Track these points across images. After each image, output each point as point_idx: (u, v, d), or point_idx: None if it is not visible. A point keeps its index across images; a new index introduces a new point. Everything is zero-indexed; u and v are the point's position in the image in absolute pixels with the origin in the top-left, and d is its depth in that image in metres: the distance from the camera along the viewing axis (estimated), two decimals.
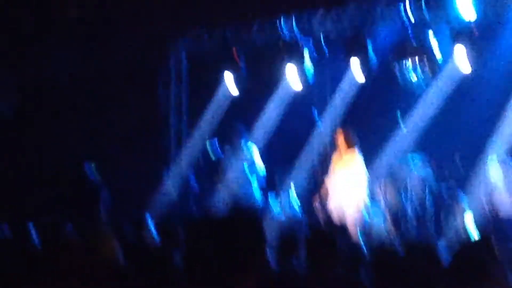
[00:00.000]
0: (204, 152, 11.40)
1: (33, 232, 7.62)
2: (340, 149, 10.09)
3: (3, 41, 12.01)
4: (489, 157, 10.63)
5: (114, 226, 7.55)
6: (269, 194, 11.39)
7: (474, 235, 9.66)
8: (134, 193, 11.61)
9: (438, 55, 10.75)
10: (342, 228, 7.77)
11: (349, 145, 10.01)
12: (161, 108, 12.87)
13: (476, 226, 10.06)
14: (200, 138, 12.36)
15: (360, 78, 11.54)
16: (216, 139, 11.52)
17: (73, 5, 12.22)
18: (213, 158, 11.42)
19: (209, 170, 11.56)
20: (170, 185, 12.19)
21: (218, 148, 11.41)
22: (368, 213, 10.25)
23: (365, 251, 7.87)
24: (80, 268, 4.43)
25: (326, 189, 10.30)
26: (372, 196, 10.92)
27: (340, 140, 10.08)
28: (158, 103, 12.83)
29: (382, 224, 10.85)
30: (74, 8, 12.23)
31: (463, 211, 10.72)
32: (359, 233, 9.63)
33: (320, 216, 10.32)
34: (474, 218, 10.33)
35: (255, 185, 11.25)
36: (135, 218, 8.42)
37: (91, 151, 11.73)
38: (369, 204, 10.11)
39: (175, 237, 6.81)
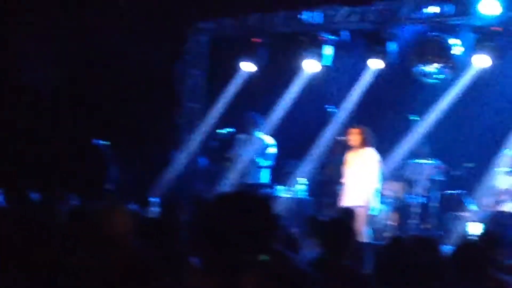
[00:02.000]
0: (216, 137, 11.36)
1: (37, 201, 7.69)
2: (356, 146, 10.00)
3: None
4: (498, 166, 10.64)
5: (120, 203, 7.62)
6: (277, 187, 11.40)
7: (476, 234, 9.71)
8: (143, 173, 11.62)
9: (458, 59, 10.70)
10: (348, 220, 7.77)
11: (366, 142, 9.94)
12: (177, 89, 12.85)
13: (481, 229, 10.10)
14: (213, 123, 12.34)
15: (378, 75, 11.54)
16: (229, 125, 11.47)
17: None
18: (224, 144, 11.42)
19: (220, 155, 11.55)
20: (180, 166, 12.19)
21: (229, 135, 11.38)
22: (376, 208, 10.23)
23: (370, 242, 7.92)
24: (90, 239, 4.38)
25: (336, 183, 10.25)
26: (381, 192, 10.93)
27: (357, 137, 10.00)
28: (175, 85, 12.81)
29: (388, 219, 10.92)
30: None
31: (468, 212, 10.82)
32: (366, 226, 9.60)
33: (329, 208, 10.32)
34: (479, 220, 10.41)
35: (263, 174, 11.29)
36: (141, 196, 8.47)
37: (106, 130, 11.75)
38: (378, 199, 10.06)
39: (179, 214, 6.84)
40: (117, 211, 4.45)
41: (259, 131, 11.38)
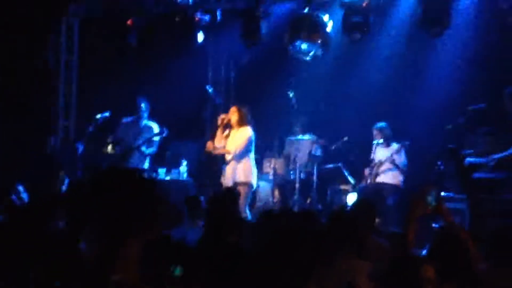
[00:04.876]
0: (94, 122, 11.12)
1: None
2: (235, 124, 10.01)
3: None
4: (375, 140, 11.00)
5: None
6: (159, 170, 11.31)
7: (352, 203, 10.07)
8: (16, 160, 11.24)
9: (330, 31, 10.89)
10: (231, 198, 7.82)
11: (243, 121, 9.96)
12: (51, 76, 12.47)
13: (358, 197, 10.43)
14: (92, 108, 12.03)
15: (253, 53, 11.65)
16: (108, 111, 11.23)
17: None
18: (103, 128, 11.22)
19: (99, 140, 11.34)
20: (57, 153, 11.87)
21: (108, 119, 11.18)
22: (258, 185, 10.33)
23: (251, 217, 8.00)
24: None
25: (217, 162, 10.27)
26: (262, 170, 11.05)
27: (235, 115, 10.01)
28: (48, 70, 12.43)
29: (270, 195, 11.09)
30: None
31: (347, 185, 11.15)
32: (246, 203, 9.67)
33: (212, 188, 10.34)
34: (357, 192, 10.76)
35: (146, 161, 11.20)
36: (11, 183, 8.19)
37: None
38: (255, 176, 10.14)
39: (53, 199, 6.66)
40: None
41: (147, 117, 11.27)
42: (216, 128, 10.28)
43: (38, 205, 5.06)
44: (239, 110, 9.98)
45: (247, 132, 9.89)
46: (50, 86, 12.39)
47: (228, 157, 9.98)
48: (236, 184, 9.59)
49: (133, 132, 11.20)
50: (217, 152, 10.11)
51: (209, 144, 10.11)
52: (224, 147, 9.97)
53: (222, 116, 10.15)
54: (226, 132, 10.01)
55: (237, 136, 9.92)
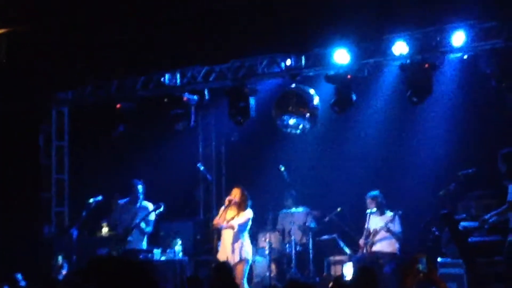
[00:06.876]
0: (88, 207, 11.12)
1: None
2: (237, 205, 10.05)
3: None
4: (369, 209, 11.03)
5: None
6: (154, 250, 11.26)
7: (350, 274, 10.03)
8: (10, 250, 11.21)
9: (316, 104, 11.00)
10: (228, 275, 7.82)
11: (243, 203, 10.03)
12: (43, 163, 12.55)
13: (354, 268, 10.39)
14: (85, 193, 12.04)
15: (242, 129, 11.78)
16: (100, 195, 11.26)
17: None
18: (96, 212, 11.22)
19: (92, 225, 11.33)
20: (50, 239, 11.84)
21: (100, 203, 11.19)
22: (254, 260, 10.30)
23: None
24: None
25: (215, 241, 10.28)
26: (258, 244, 11.02)
27: (237, 197, 10.05)
28: (39, 158, 12.51)
29: (266, 270, 11.03)
30: None
31: (343, 256, 11.12)
32: (244, 279, 9.65)
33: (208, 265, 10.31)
34: (353, 262, 10.71)
35: (144, 238, 11.17)
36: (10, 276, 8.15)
37: None
38: (253, 252, 10.15)
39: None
40: None
41: (143, 198, 11.28)
42: (219, 206, 10.34)
43: None
44: (242, 192, 10.08)
45: (248, 213, 10.03)
46: (41, 173, 12.46)
47: (225, 234, 9.99)
48: (234, 261, 9.61)
49: (130, 213, 11.19)
50: (223, 227, 10.12)
51: (216, 220, 10.12)
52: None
53: (230, 197, 10.16)
54: (229, 211, 10.05)
55: (239, 215, 9.99)
